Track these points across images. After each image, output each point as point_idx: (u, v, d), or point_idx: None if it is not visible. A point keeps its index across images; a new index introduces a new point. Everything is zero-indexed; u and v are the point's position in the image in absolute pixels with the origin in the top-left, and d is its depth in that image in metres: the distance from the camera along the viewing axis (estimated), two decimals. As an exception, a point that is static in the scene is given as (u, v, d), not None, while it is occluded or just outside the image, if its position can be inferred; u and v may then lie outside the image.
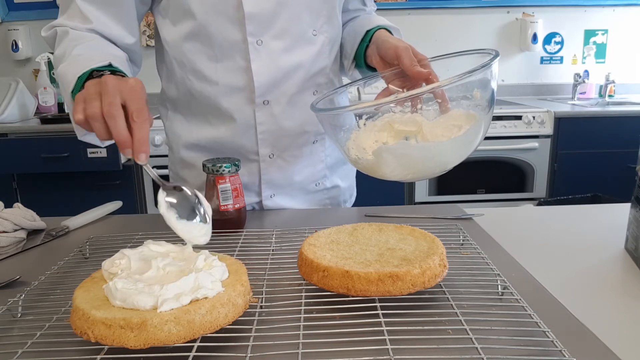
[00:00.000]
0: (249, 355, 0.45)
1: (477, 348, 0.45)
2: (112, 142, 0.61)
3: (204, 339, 0.47)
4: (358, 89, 0.95)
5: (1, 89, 2.39)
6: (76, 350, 0.47)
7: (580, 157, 2.44)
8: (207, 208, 0.61)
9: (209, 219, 0.61)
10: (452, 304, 0.53)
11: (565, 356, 0.43)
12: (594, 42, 2.97)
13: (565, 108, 2.51)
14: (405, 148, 0.70)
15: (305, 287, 0.58)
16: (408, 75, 0.77)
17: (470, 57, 0.76)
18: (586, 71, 2.90)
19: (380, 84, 0.86)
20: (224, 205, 0.79)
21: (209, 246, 0.60)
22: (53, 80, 2.66)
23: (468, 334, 0.47)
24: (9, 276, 0.65)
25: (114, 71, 0.70)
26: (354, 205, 1.12)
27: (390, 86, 0.83)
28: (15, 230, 0.81)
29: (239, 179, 0.81)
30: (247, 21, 0.82)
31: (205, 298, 0.48)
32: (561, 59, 2.98)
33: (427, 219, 0.85)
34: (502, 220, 0.86)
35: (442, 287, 0.57)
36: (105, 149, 2.15)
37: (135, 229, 0.79)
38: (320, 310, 0.53)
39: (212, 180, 0.79)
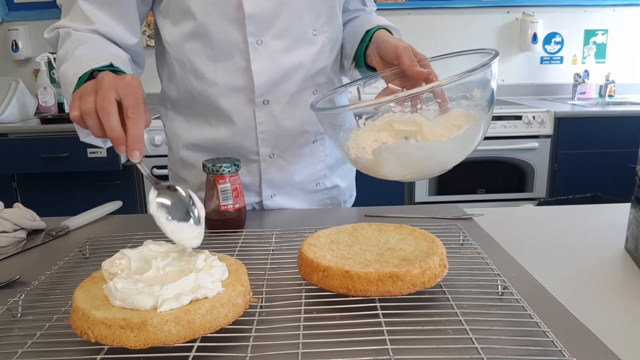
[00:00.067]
0: (249, 355, 0.45)
1: (477, 348, 0.45)
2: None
3: (204, 339, 0.47)
4: (358, 88, 0.95)
5: (1, 89, 2.39)
6: (76, 350, 0.47)
7: (580, 157, 2.44)
8: (200, 210, 0.60)
9: (201, 221, 0.59)
10: (452, 304, 0.53)
11: (565, 356, 0.43)
12: (594, 42, 2.97)
13: (565, 108, 2.51)
14: (405, 147, 0.70)
15: (305, 287, 0.58)
16: (408, 75, 0.77)
17: (470, 57, 0.76)
18: (586, 71, 2.90)
19: (380, 84, 0.86)
20: (224, 205, 0.79)
21: (209, 246, 0.60)
22: (53, 80, 2.66)
23: (468, 334, 0.47)
24: (9, 276, 0.65)
25: (115, 71, 0.69)
26: (354, 205, 1.12)
27: (390, 86, 0.83)
28: (15, 230, 0.81)
29: (239, 179, 0.81)
30: (247, 21, 0.82)
31: (205, 298, 0.48)
32: (561, 59, 2.98)
33: (427, 219, 0.85)
34: (502, 220, 0.86)
35: (442, 287, 0.57)
36: (105, 150, 2.15)
37: (135, 229, 0.79)
38: (320, 310, 0.53)
39: (212, 180, 0.79)
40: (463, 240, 0.72)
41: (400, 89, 0.81)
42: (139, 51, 0.89)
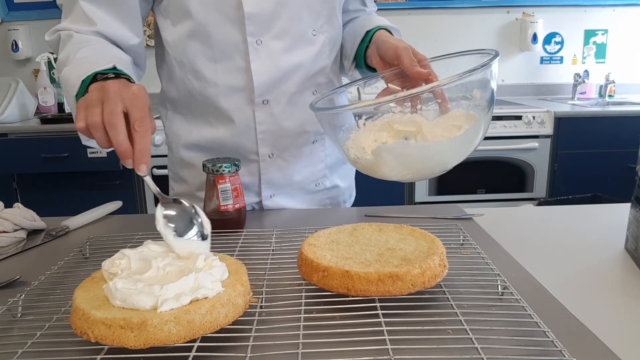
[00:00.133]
0: (249, 355, 0.45)
1: (477, 348, 0.45)
2: (112, 149, 0.60)
3: (204, 339, 0.47)
4: (358, 89, 0.95)
5: (1, 89, 2.39)
6: (76, 350, 0.47)
7: (580, 157, 2.44)
8: (206, 223, 0.59)
9: (208, 234, 0.59)
10: (452, 304, 0.53)
11: (565, 356, 0.43)
12: (594, 42, 2.97)
13: (565, 108, 2.51)
14: (405, 147, 0.70)
15: (305, 287, 0.58)
16: (408, 75, 0.77)
17: (470, 57, 0.76)
18: (586, 71, 2.90)
19: (380, 84, 0.86)
20: (224, 205, 0.79)
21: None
22: (53, 80, 2.66)
23: (468, 334, 0.47)
24: (9, 276, 0.65)
25: (118, 74, 0.68)
26: (354, 205, 1.12)
27: (390, 85, 0.83)
28: (15, 230, 0.81)
29: (239, 179, 0.81)
30: (247, 21, 0.82)
31: (205, 298, 0.48)
32: (561, 59, 2.98)
33: (427, 219, 0.85)
34: (502, 220, 0.86)
35: (442, 287, 0.57)
36: (105, 150, 2.15)
37: (135, 229, 0.79)
38: (320, 310, 0.53)
39: (212, 180, 0.79)
40: (463, 240, 0.72)
41: (400, 89, 0.81)
42: (141, 52, 0.88)
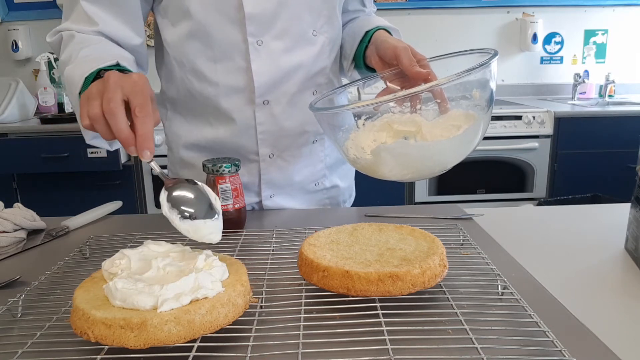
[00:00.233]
0: (249, 355, 0.45)
1: (477, 348, 0.45)
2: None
3: (204, 339, 0.47)
4: (358, 89, 0.95)
5: (1, 89, 2.39)
6: (76, 350, 0.47)
7: (580, 157, 2.44)
8: (215, 202, 0.57)
9: (218, 213, 0.57)
10: (452, 304, 0.53)
11: (565, 356, 0.43)
12: (594, 42, 2.97)
13: (565, 108, 2.51)
14: (404, 147, 0.70)
15: (305, 287, 0.58)
16: (407, 75, 0.77)
17: (470, 57, 0.76)
18: (586, 71, 2.90)
19: (380, 85, 0.86)
20: (224, 205, 0.79)
21: (209, 246, 0.60)
22: (53, 80, 2.66)
23: (468, 334, 0.47)
24: (9, 276, 0.65)
25: (121, 70, 0.67)
26: (354, 205, 1.12)
27: (390, 85, 0.83)
28: (15, 230, 0.81)
29: (239, 179, 0.81)
30: (247, 21, 0.82)
31: (205, 298, 0.48)
32: (561, 59, 2.98)
33: (427, 219, 0.85)
34: (502, 220, 0.86)
35: (442, 287, 0.57)
36: (105, 150, 2.15)
37: (135, 229, 0.79)
38: (320, 310, 0.53)
39: (212, 180, 0.79)
40: (463, 240, 0.72)
41: (400, 89, 0.81)
42: (143, 52, 0.88)
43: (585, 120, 2.42)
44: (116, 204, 0.96)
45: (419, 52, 0.80)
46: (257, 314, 0.53)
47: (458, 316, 0.51)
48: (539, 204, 2.35)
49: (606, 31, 2.95)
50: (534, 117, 2.39)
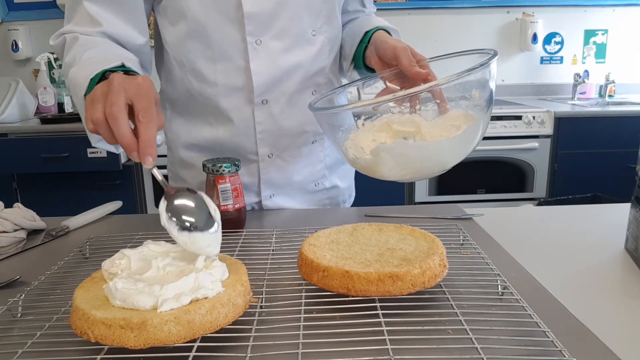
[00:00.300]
0: (249, 355, 0.45)
1: (477, 348, 0.45)
2: None
3: (204, 339, 0.47)
4: (358, 89, 0.95)
5: (1, 89, 2.39)
6: (76, 350, 0.47)
7: (580, 157, 2.44)
8: (214, 213, 0.56)
9: (217, 224, 0.55)
10: (452, 304, 0.53)
11: (565, 356, 0.43)
12: (594, 42, 2.97)
13: (565, 108, 2.51)
14: (403, 147, 0.70)
15: (305, 287, 0.58)
16: (407, 75, 0.77)
17: (469, 58, 0.76)
18: (586, 71, 2.90)
19: (379, 85, 0.86)
20: (224, 205, 0.79)
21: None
22: (53, 80, 2.66)
23: (468, 334, 0.47)
24: (9, 276, 0.65)
25: (127, 71, 0.66)
26: (354, 205, 1.12)
27: (390, 85, 0.83)
28: (15, 230, 0.81)
29: (239, 179, 0.81)
30: (246, 21, 0.82)
31: (205, 298, 0.48)
32: (561, 59, 2.98)
33: (427, 219, 0.85)
34: (502, 220, 0.86)
35: (442, 287, 0.57)
36: (105, 150, 2.15)
37: (135, 229, 0.79)
38: (320, 310, 0.53)
39: (212, 180, 0.79)
40: (463, 240, 0.72)
41: (399, 89, 0.81)
42: (147, 51, 0.87)
43: (585, 120, 2.42)
44: (116, 204, 0.96)
45: (418, 52, 0.80)
46: (257, 314, 0.53)
47: (458, 316, 0.51)
48: (539, 204, 2.35)
49: (606, 31, 2.95)
50: (534, 117, 2.39)
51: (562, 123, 2.41)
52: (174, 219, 0.53)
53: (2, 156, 2.20)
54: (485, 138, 0.72)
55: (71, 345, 0.47)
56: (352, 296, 0.53)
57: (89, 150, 2.17)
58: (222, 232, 0.77)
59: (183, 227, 0.53)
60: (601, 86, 2.86)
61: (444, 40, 2.89)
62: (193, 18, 0.83)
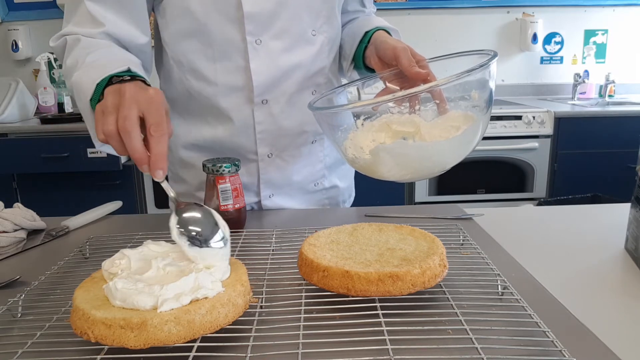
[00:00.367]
0: (249, 355, 0.45)
1: (477, 348, 0.45)
2: None
3: (204, 339, 0.47)
4: (358, 89, 0.95)
5: (1, 89, 2.39)
6: (76, 350, 0.47)
7: (580, 157, 2.44)
8: (224, 229, 0.58)
9: (227, 240, 0.57)
10: (452, 304, 0.53)
11: (565, 356, 0.43)
12: (594, 42, 2.97)
13: (565, 108, 2.51)
14: (403, 147, 0.70)
15: (305, 287, 0.58)
16: (406, 76, 0.77)
17: (469, 58, 0.76)
18: (586, 71, 2.90)
19: (379, 85, 0.86)
20: (223, 205, 0.79)
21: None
22: (53, 80, 2.66)
23: (468, 334, 0.47)
24: (9, 276, 0.65)
25: (133, 76, 0.67)
26: (353, 205, 1.12)
27: (389, 85, 0.83)
28: (15, 230, 0.81)
29: (239, 179, 0.81)
30: (246, 21, 0.82)
31: (205, 298, 0.48)
32: (561, 59, 2.98)
33: (427, 219, 0.85)
34: (502, 220, 0.86)
35: (442, 287, 0.57)
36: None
37: (135, 229, 0.79)
38: (320, 310, 0.53)
39: (212, 180, 0.79)
40: (463, 240, 0.72)
41: (399, 89, 0.81)
42: (149, 51, 0.87)
43: (585, 120, 2.42)
44: (116, 204, 0.96)
45: (418, 52, 0.80)
46: (257, 314, 0.53)
47: (458, 316, 0.51)
48: (539, 204, 2.35)
49: (606, 31, 2.95)
50: (534, 117, 2.39)
51: (562, 123, 2.41)
52: (185, 234, 0.54)
53: (2, 156, 2.21)
54: (485, 138, 0.72)
55: (71, 345, 0.47)
56: (352, 296, 0.53)
57: (89, 150, 2.17)
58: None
59: (193, 243, 0.54)
60: (601, 86, 2.86)
61: (444, 40, 2.89)
62: (193, 18, 0.83)
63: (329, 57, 0.93)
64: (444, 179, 2.45)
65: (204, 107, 0.91)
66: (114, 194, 2.27)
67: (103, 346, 0.46)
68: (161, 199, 2.36)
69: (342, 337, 0.47)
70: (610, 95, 2.83)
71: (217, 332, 0.47)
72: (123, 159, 2.27)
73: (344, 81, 1.00)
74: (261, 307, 0.55)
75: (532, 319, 0.49)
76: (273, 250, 0.71)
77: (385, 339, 0.47)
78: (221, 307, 0.48)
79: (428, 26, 2.89)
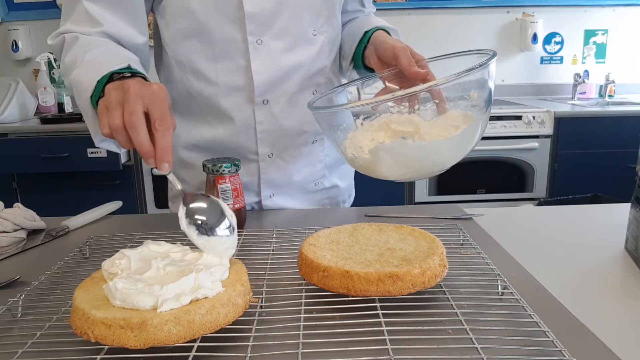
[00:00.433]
0: (249, 355, 0.45)
1: (477, 348, 0.45)
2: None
3: (204, 339, 0.47)
4: (358, 89, 0.95)
5: (1, 89, 2.39)
6: (76, 350, 0.47)
7: (580, 157, 2.44)
8: (231, 218, 0.59)
9: (234, 229, 0.58)
10: (452, 304, 0.53)
11: (565, 356, 0.43)
12: (594, 42, 2.97)
13: (565, 108, 2.51)
14: (402, 147, 0.70)
15: (305, 287, 0.58)
16: (406, 75, 0.77)
17: (468, 58, 0.76)
18: (586, 71, 2.90)
19: (379, 84, 0.86)
20: (223, 205, 0.79)
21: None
22: (53, 80, 2.66)
23: (468, 334, 0.47)
24: (9, 276, 0.65)
25: (133, 73, 0.67)
26: (353, 205, 1.13)
27: (389, 85, 0.83)
28: (15, 230, 0.81)
29: (239, 179, 0.81)
30: (247, 21, 0.82)
31: (205, 298, 0.48)
32: (561, 59, 2.98)
33: (427, 219, 0.85)
34: (502, 220, 0.86)
35: (442, 287, 0.57)
36: (105, 150, 2.15)
37: (135, 229, 0.79)
38: (320, 310, 0.53)
39: (212, 180, 0.79)
40: (463, 240, 0.72)
41: (399, 89, 0.81)
42: (146, 51, 0.87)
43: (585, 120, 2.42)
44: (116, 204, 0.96)
45: (418, 52, 0.80)
46: (257, 314, 0.53)
47: (458, 316, 0.51)
48: (539, 204, 2.35)
49: (606, 31, 2.95)
50: (534, 117, 2.39)
51: (562, 123, 2.41)
52: (193, 224, 0.56)
53: (2, 156, 2.20)
54: (485, 138, 0.72)
55: (71, 345, 0.47)
56: (352, 296, 0.54)
57: (89, 150, 2.17)
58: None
59: (202, 232, 0.56)
60: (601, 86, 2.86)
61: (444, 40, 2.89)
62: (193, 18, 0.83)
63: (329, 57, 0.93)
64: (444, 179, 2.45)
65: (204, 107, 0.91)
66: (114, 194, 2.27)
67: (103, 346, 0.46)
68: (161, 199, 2.36)
69: (342, 337, 0.47)
70: (610, 95, 2.83)
71: (217, 332, 0.47)
72: (123, 159, 2.27)
73: (344, 81, 1.00)
74: (261, 307, 0.55)
75: (532, 319, 0.49)
76: (273, 250, 0.71)
77: (385, 339, 0.47)
78: (221, 307, 0.48)
79: (428, 26, 2.89)
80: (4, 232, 0.79)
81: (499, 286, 0.57)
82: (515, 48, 2.95)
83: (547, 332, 0.47)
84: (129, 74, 0.66)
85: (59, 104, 2.62)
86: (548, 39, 2.94)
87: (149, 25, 0.88)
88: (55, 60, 2.64)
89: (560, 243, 0.76)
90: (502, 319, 0.51)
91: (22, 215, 0.83)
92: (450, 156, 0.71)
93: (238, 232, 0.79)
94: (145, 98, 0.58)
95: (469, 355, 0.44)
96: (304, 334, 0.48)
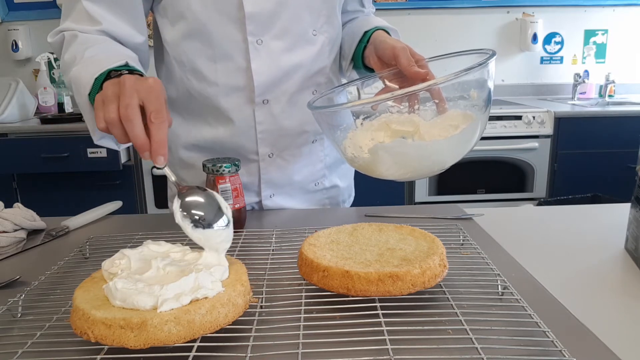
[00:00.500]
0: (249, 355, 0.45)
1: (477, 348, 0.45)
2: (129, 144, 0.61)
3: (204, 339, 0.47)
4: (358, 89, 0.95)
5: (1, 89, 2.39)
6: (76, 350, 0.47)
7: (580, 157, 2.44)
8: (227, 210, 0.59)
9: (229, 221, 0.58)
10: (452, 304, 0.53)
11: (565, 356, 0.43)
12: (594, 42, 2.97)
13: (565, 108, 2.51)
14: (402, 146, 0.70)
15: (305, 287, 0.58)
16: (405, 75, 0.77)
17: (468, 58, 0.76)
18: (586, 71, 2.90)
19: (379, 84, 0.86)
20: (223, 205, 0.79)
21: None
22: (53, 80, 2.66)
23: (468, 334, 0.47)
24: (9, 276, 0.65)
25: (131, 70, 0.68)
26: (353, 205, 1.13)
27: (389, 84, 0.83)
28: (15, 230, 0.81)
29: (239, 178, 0.81)
30: (247, 21, 0.82)
31: (205, 298, 0.48)
32: (561, 59, 2.98)
33: (427, 219, 0.85)
34: (502, 220, 0.86)
35: (442, 287, 0.57)
36: (105, 150, 2.16)
37: (135, 229, 0.79)
38: (320, 310, 0.53)
39: (212, 180, 0.79)
40: (463, 240, 0.72)
41: (398, 89, 0.81)
42: (145, 50, 0.87)
43: (585, 120, 2.42)
44: (116, 204, 0.96)
45: (418, 52, 0.80)
46: (257, 314, 0.53)
47: (458, 316, 0.51)
48: (539, 204, 2.35)
49: (606, 31, 2.95)
50: (534, 117, 2.39)
51: (562, 123, 2.41)
52: (188, 217, 0.56)
53: (2, 156, 2.20)
54: (485, 138, 0.72)
55: (71, 345, 0.47)
56: (352, 296, 0.54)
57: (89, 150, 2.17)
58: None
59: (197, 225, 0.56)
60: (601, 86, 2.86)
61: (444, 40, 2.89)
62: (194, 18, 0.83)
63: (329, 57, 0.93)
64: (444, 179, 2.45)
65: (204, 108, 0.91)
66: (114, 194, 2.27)
67: (103, 346, 0.46)
68: (161, 199, 2.36)
69: (342, 337, 0.47)
70: (610, 95, 2.83)
71: (217, 332, 0.47)
72: (123, 159, 2.27)
73: (344, 81, 1.00)
74: (261, 307, 0.55)
75: (532, 319, 0.49)
76: (273, 250, 0.71)
77: (385, 339, 0.47)
78: (221, 307, 0.48)
79: (428, 26, 2.89)
80: (4, 232, 0.79)
81: (499, 286, 0.57)
82: (515, 48, 2.95)
83: (547, 332, 0.47)
84: (127, 72, 0.66)
85: (59, 104, 2.62)
86: (548, 39, 2.94)
87: (148, 25, 0.88)
88: (55, 60, 2.64)
89: (560, 243, 0.76)
90: (502, 319, 0.51)
91: (22, 215, 0.83)
92: (450, 156, 0.71)
93: (238, 232, 0.79)
94: (141, 92, 0.58)
95: (469, 355, 0.44)
96: (304, 334, 0.48)
